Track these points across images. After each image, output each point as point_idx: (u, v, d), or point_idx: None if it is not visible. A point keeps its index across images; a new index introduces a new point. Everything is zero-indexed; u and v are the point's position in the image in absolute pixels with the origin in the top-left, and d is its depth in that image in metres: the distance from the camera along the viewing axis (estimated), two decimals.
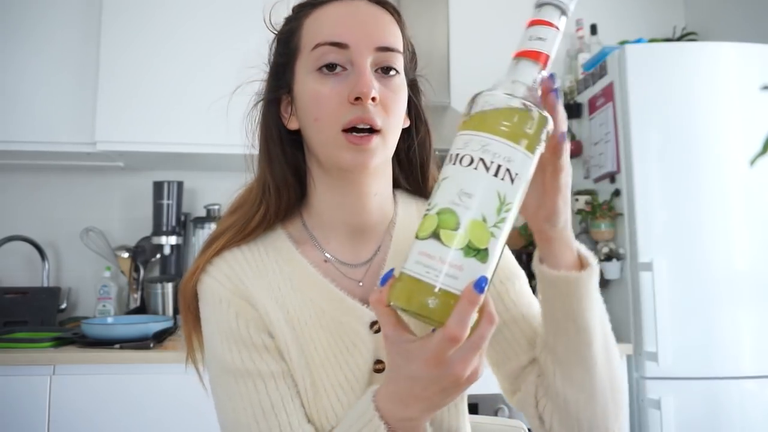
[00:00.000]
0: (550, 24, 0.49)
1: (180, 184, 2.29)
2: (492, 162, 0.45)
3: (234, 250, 0.73)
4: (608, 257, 1.96)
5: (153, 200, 2.26)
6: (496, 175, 0.45)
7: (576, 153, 2.26)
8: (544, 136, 0.48)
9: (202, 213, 2.33)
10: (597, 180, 2.12)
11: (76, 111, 2.09)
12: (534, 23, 0.50)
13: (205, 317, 0.72)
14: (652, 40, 2.44)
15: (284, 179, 0.74)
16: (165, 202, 2.24)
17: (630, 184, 1.92)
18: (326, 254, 0.74)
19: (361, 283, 0.73)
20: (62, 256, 2.39)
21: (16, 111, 2.09)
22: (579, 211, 2.11)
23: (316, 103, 0.67)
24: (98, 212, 2.41)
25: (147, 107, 2.08)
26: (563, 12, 0.49)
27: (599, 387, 0.64)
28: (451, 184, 0.46)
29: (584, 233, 2.11)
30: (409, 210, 0.78)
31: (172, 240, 2.24)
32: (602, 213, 2.00)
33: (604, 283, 2.05)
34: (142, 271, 2.29)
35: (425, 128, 0.78)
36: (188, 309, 0.74)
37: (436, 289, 0.45)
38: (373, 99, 0.65)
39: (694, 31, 2.60)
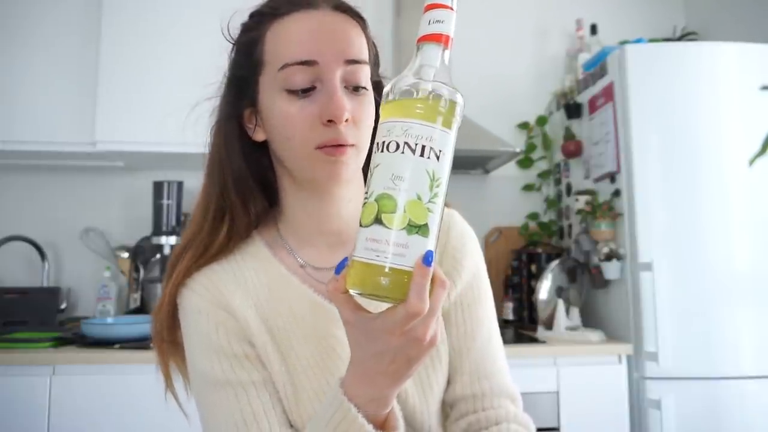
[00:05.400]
0: (445, 6, 0.52)
1: (180, 184, 2.29)
2: (416, 144, 0.49)
3: (212, 264, 0.72)
4: (608, 257, 1.96)
5: (153, 200, 2.26)
6: (422, 155, 0.49)
7: (576, 153, 2.26)
8: (458, 111, 0.52)
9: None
10: (597, 180, 2.12)
11: (76, 111, 2.09)
12: (430, 7, 0.52)
13: (185, 330, 0.72)
14: (652, 40, 2.44)
15: (250, 193, 0.74)
16: (165, 202, 2.24)
17: (630, 184, 1.92)
18: (302, 260, 0.74)
19: None
20: (62, 256, 2.39)
21: (16, 111, 2.09)
22: (579, 211, 2.11)
23: (287, 124, 0.66)
24: (98, 212, 2.41)
25: (147, 107, 2.08)
26: None
27: None
28: (384, 171, 0.49)
29: (584, 233, 2.11)
30: None
31: (172, 240, 2.24)
32: (602, 213, 2.00)
33: (604, 283, 2.05)
34: (142, 271, 2.29)
35: None
36: (162, 338, 0.74)
37: (387, 269, 0.48)
38: (346, 120, 0.65)
39: (694, 31, 2.60)
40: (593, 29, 2.48)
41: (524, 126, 2.60)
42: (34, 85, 2.11)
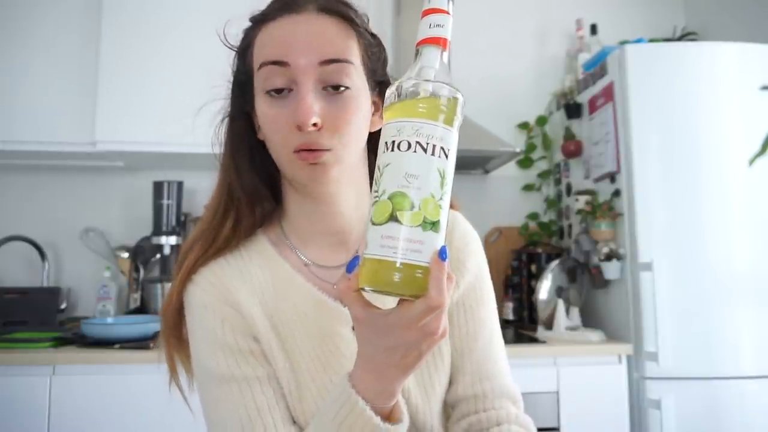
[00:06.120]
0: (443, 11, 0.54)
1: (180, 184, 2.29)
2: (428, 143, 0.51)
3: (219, 259, 0.73)
4: (608, 257, 1.96)
5: (153, 200, 2.26)
6: (433, 154, 0.51)
7: (576, 153, 2.26)
8: (459, 109, 0.53)
9: (202, 213, 2.33)
10: (597, 180, 2.12)
11: (76, 111, 2.09)
12: (429, 12, 0.54)
13: (190, 326, 0.72)
14: (652, 40, 2.44)
15: (256, 192, 0.75)
16: (165, 202, 2.24)
17: (630, 184, 1.92)
18: (305, 259, 0.75)
19: None
20: (62, 256, 2.39)
21: (16, 111, 2.09)
22: (579, 211, 2.11)
23: (268, 126, 0.68)
24: (98, 212, 2.41)
25: (147, 107, 2.08)
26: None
27: None
28: (396, 169, 0.51)
29: (584, 233, 2.11)
30: None
31: (172, 240, 2.24)
32: (602, 213, 2.00)
33: (604, 283, 2.05)
34: (142, 271, 2.29)
35: None
36: (170, 332, 0.74)
37: (401, 265, 0.49)
38: (315, 125, 0.64)
39: (694, 31, 2.60)
40: (593, 29, 2.48)
41: (524, 126, 2.60)
42: (34, 85, 2.11)
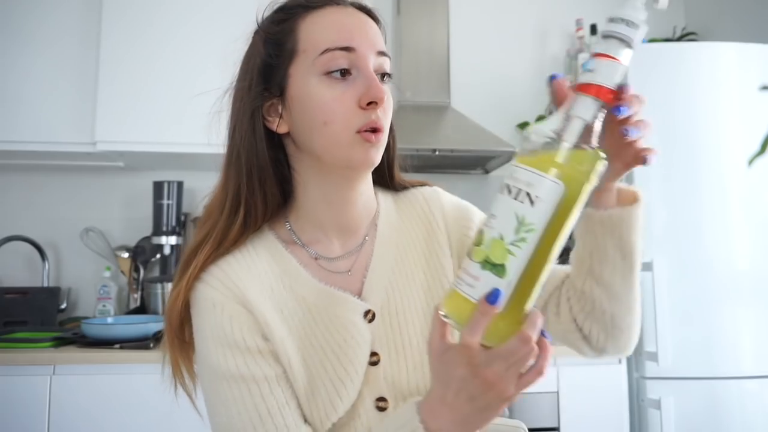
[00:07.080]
0: (613, 58, 0.52)
1: (180, 184, 2.29)
2: (514, 186, 0.50)
3: (227, 257, 0.72)
4: None
5: (153, 200, 2.26)
6: (516, 198, 0.49)
7: None
8: (586, 168, 0.50)
9: (205, 210, 2.33)
10: None
11: (76, 111, 2.09)
12: (598, 56, 0.52)
13: (198, 324, 0.71)
14: (652, 40, 2.44)
15: (270, 183, 0.73)
16: (165, 202, 2.24)
17: (630, 184, 1.91)
18: (314, 253, 0.75)
19: (350, 272, 0.75)
20: (62, 256, 2.39)
21: (16, 111, 2.09)
22: None
23: (327, 109, 0.68)
24: (98, 212, 2.41)
25: (147, 107, 2.08)
26: (628, 45, 0.52)
27: (637, 296, 0.73)
28: (490, 209, 0.53)
29: None
30: (388, 203, 0.82)
31: (172, 240, 2.24)
32: None
33: None
34: (142, 271, 2.29)
35: (392, 131, 0.78)
36: (174, 333, 0.73)
37: (463, 299, 0.51)
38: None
39: (694, 31, 2.60)
40: (593, 29, 2.48)
41: (524, 126, 2.60)
42: (34, 86, 2.11)
